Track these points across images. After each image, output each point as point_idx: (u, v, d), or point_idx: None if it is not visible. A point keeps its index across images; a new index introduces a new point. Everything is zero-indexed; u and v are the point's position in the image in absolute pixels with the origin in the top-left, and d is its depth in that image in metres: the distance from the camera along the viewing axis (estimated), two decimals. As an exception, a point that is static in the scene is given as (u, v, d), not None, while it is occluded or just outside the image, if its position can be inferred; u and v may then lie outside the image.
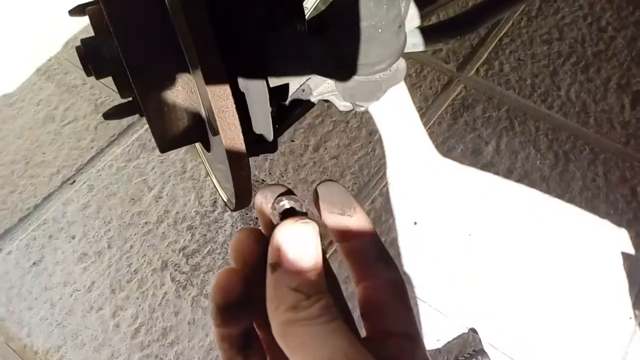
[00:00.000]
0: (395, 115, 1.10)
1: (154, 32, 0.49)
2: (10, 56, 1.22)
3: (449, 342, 0.85)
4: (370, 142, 1.06)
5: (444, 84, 1.15)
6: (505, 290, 0.89)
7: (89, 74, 0.54)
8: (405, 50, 0.76)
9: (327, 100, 0.74)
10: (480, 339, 0.84)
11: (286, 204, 0.31)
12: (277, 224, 0.29)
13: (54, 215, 0.99)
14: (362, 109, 0.63)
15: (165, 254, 0.94)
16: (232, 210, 0.58)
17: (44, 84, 1.19)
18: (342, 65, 0.45)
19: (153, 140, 1.08)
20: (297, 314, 0.26)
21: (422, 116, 1.10)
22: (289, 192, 0.32)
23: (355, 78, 0.47)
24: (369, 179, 1.02)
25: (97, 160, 1.06)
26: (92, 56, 0.52)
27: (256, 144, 0.69)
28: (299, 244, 0.28)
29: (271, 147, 0.69)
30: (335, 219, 0.31)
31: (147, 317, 0.88)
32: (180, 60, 0.49)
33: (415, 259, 0.92)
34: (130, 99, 0.53)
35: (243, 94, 0.53)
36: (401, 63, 0.46)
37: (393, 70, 0.44)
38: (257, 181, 1.02)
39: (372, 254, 0.32)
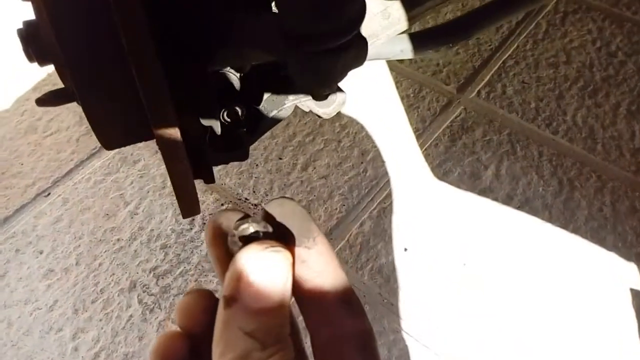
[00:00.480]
0: (390, 136, 1.04)
1: (92, 18, 0.44)
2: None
3: (436, 381, 0.77)
4: (362, 163, 1.00)
5: (443, 105, 1.09)
6: (502, 328, 0.81)
7: (30, 59, 0.49)
8: (393, 57, 0.71)
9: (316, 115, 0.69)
10: (471, 380, 0.76)
11: (250, 228, 0.24)
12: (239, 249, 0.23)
13: (23, 229, 0.94)
14: (328, 111, 0.57)
15: (135, 273, 0.88)
16: (183, 217, 0.52)
17: (31, 94, 1.15)
18: (290, 37, 0.40)
19: (135, 153, 1.04)
20: None
21: (418, 137, 1.04)
22: (250, 218, 0.26)
23: (305, 54, 0.40)
24: (358, 201, 0.95)
25: (75, 172, 1.01)
26: (31, 40, 0.47)
27: (225, 152, 0.63)
28: (265, 275, 0.22)
29: (241, 154, 0.64)
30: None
31: (108, 341, 0.81)
32: (119, 47, 0.44)
33: (404, 288, 0.85)
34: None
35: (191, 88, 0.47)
36: (363, 40, 0.40)
37: (353, 47, 0.38)
38: (239, 199, 0.96)
39: (333, 297, 0.25)
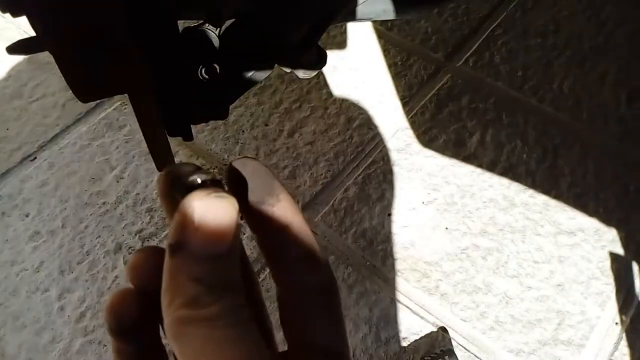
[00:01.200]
0: (377, 104, 1.04)
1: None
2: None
3: (416, 340, 0.78)
4: (348, 130, 1.01)
5: (430, 73, 1.09)
6: (484, 289, 0.82)
7: (2, 10, 0.48)
8: (375, 18, 0.71)
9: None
10: (450, 339, 0.77)
11: (197, 179, 0.24)
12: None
13: (9, 192, 0.94)
14: (306, 75, 0.57)
15: (120, 236, 0.88)
16: (158, 170, 0.52)
17: (16, 59, 1.14)
18: None
19: (120, 119, 1.04)
20: (195, 311, 0.21)
21: (404, 105, 1.04)
22: (201, 170, 0.25)
23: None
24: (343, 167, 0.96)
25: (61, 137, 1.01)
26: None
27: (203, 110, 0.64)
28: (212, 220, 0.22)
29: (220, 113, 0.64)
30: (252, 209, 0.25)
31: (94, 301, 0.82)
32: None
33: (387, 252, 0.86)
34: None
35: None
36: None
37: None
38: (225, 165, 0.97)
39: (296, 251, 0.25)
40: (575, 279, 0.83)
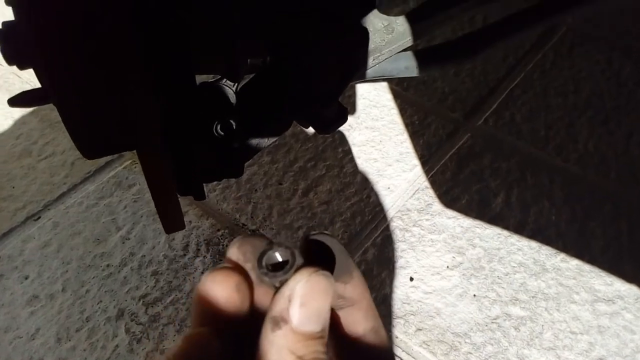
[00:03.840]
0: (394, 162, 1.00)
1: (73, 17, 0.41)
2: (-2, 91, 1.18)
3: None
4: (365, 189, 0.96)
5: (449, 132, 1.06)
6: (515, 363, 0.74)
7: (8, 61, 0.46)
8: (398, 75, 0.68)
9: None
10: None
11: (277, 256, 0.25)
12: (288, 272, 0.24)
13: (10, 253, 0.90)
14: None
15: (123, 301, 0.82)
16: (166, 233, 0.48)
17: (28, 118, 1.13)
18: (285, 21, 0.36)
19: (130, 178, 1.00)
20: None
21: (424, 164, 1.00)
22: (272, 244, 0.26)
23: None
24: (361, 228, 0.91)
25: (68, 196, 0.97)
26: (10, 39, 0.44)
27: (218, 167, 0.60)
28: (316, 299, 0.23)
29: (235, 171, 0.60)
30: None
31: (91, 373, 0.75)
32: (103, 49, 0.41)
33: (411, 321, 0.79)
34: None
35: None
36: (362, 31, 0.36)
37: (351, 35, 0.34)
38: (237, 225, 0.92)
39: (365, 327, 0.27)
40: (618, 352, 0.75)
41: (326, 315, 0.23)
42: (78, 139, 0.44)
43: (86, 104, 0.42)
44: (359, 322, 0.27)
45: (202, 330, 0.24)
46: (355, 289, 0.26)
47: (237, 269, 0.25)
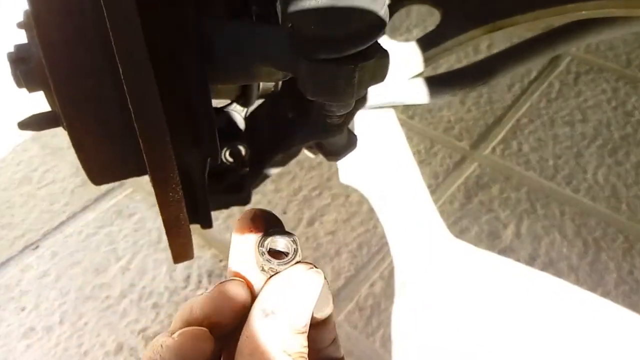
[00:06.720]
0: (401, 191, 0.99)
1: (84, 40, 0.40)
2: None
3: None
4: (371, 219, 0.94)
5: (456, 161, 1.04)
6: (530, 402, 0.71)
7: (18, 84, 0.45)
8: (408, 103, 0.67)
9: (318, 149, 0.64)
10: None
11: (279, 241, 0.27)
12: (283, 265, 0.25)
13: (7, 283, 0.87)
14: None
15: (122, 334, 0.80)
16: (174, 262, 0.46)
17: (29, 145, 1.12)
18: (299, 43, 0.35)
19: (131, 206, 0.98)
20: None
21: (431, 193, 0.98)
22: (277, 221, 0.28)
23: (313, 63, 0.34)
24: (368, 259, 0.88)
25: (67, 225, 0.95)
26: (20, 62, 0.43)
27: (226, 194, 0.58)
28: (307, 294, 0.24)
29: (242, 198, 0.58)
30: None
31: (88, 411, 0.72)
32: (113, 71, 0.40)
33: (417, 355, 0.77)
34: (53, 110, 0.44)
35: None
36: (385, 53, 0.35)
37: (372, 60, 0.33)
38: (240, 256, 0.90)
39: (328, 340, 0.29)
40: (637, 392, 0.72)
41: (309, 314, 0.24)
42: (88, 163, 0.42)
43: (99, 129, 0.41)
44: (326, 337, 0.28)
45: (201, 330, 0.26)
46: (329, 317, 0.28)
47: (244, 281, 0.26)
